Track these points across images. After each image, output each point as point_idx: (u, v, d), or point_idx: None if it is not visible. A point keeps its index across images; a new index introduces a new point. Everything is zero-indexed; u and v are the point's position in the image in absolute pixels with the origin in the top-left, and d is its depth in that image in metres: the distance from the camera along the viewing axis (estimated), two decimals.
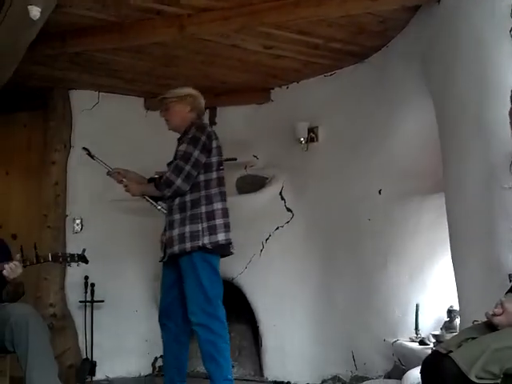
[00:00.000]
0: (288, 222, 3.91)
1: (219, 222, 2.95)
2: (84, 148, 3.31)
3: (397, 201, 3.32)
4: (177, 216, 2.97)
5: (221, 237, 2.94)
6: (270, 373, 3.73)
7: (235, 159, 4.22)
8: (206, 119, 4.35)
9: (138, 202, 4.09)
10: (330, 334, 3.64)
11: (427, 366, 1.70)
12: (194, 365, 3.80)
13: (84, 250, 2.88)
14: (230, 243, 3.03)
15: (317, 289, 3.75)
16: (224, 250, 3.00)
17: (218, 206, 2.97)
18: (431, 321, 3.13)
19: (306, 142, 3.90)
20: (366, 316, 3.40)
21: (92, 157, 3.30)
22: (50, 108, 4.11)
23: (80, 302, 3.89)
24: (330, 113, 3.88)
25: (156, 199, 3.17)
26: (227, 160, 4.20)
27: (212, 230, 2.91)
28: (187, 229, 2.91)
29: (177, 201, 2.98)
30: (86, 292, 3.89)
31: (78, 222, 4.03)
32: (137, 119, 4.30)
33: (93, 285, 3.91)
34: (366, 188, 3.52)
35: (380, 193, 3.43)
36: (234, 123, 4.31)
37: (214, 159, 3.02)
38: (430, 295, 3.17)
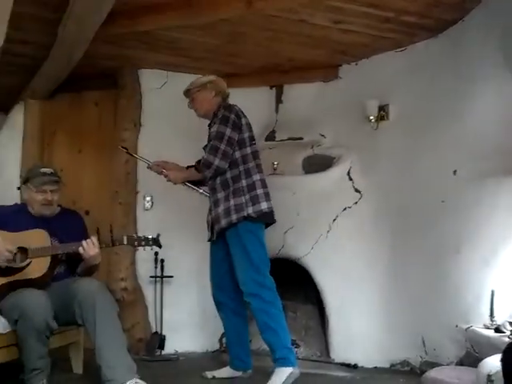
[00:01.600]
0: (356, 203, 3.83)
1: (260, 191, 3.10)
2: (122, 147, 3.60)
3: (472, 182, 3.16)
4: (220, 194, 3.11)
5: (263, 205, 3.08)
6: (337, 354, 3.69)
7: (301, 138, 4.18)
8: (272, 98, 4.35)
9: None
10: (398, 317, 3.55)
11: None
12: (259, 343, 3.82)
13: (158, 235, 2.96)
14: (273, 211, 3.14)
15: (385, 272, 3.66)
16: (268, 217, 3.13)
17: (256, 177, 3.13)
18: (507, 308, 2.98)
19: (376, 121, 3.78)
20: (438, 301, 3.29)
21: (131, 154, 3.59)
22: (120, 87, 4.18)
23: (150, 277, 4.00)
24: (401, 90, 3.74)
25: (197, 184, 3.33)
26: (293, 139, 4.20)
27: (255, 200, 3.06)
28: (232, 202, 3.06)
29: (218, 180, 3.12)
30: (156, 267, 3.99)
31: (148, 199, 4.11)
32: None
33: (162, 260, 4.00)
34: (439, 168, 3.38)
35: (455, 173, 3.27)
36: (301, 101, 4.25)
37: (246, 135, 3.16)
38: (505, 281, 3.02)
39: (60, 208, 3.17)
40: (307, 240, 3.83)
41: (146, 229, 3.75)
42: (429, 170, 3.46)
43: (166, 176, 3.30)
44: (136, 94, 4.17)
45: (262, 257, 3.05)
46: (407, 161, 3.60)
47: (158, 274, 4.00)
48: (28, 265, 2.81)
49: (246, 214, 3.02)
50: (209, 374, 3.24)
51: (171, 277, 4.01)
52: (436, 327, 3.33)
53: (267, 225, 3.17)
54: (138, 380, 2.60)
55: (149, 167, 3.39)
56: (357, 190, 3.85)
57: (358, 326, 3.68)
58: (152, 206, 4.14)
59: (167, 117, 4.16)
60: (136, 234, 3.09)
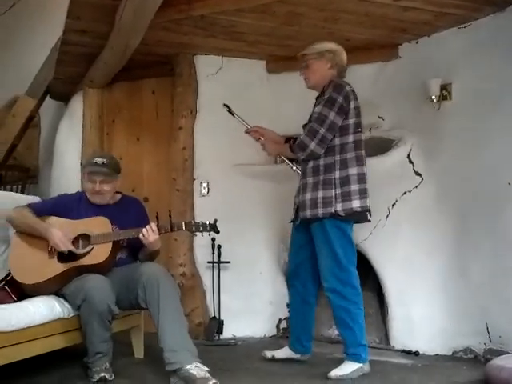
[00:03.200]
0: (417, 187, 3.71)
1: (354, 187, 2.88)
2: (225, 104, 3.35)
3: None
4: (310, 180, 2.95)
5: (355, 204, 2.87)
6: (397, 342, 3.62)
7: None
8: None
9: (262, 166, 4.16)
10: (461, 305, 3.44)
11: None
12: (320, 329, 3.79)
13: (216, 220, 2.94)
14: (368, 210, 2.94)
15: (448, 259, 3.53)
16: (359, 217, 2.94)
17: (353, 171, 2.90)
18: None
19: (438, 101, 3.64)
20: (504, 289, 3.16)
21: (232, 114, 3.33)
22: (176, 74, 4.20)
23: (208, 262, 4.02)
24: (464, 68, 3.58)
25: (292, 160, 3.17)
26: None
27: (346, 197, 2.85)
28: (320, 194, 2.88)
29: (310, 164, 2.96)
30: (213, 253, 4.01)
31: (204, 185, 4.13)
32: (259, 82, 4.28)
33: (219, 246, 4.01)
34: (506, 150, 3.22)
35: None
36: (358, 83, 4.03)
37: (352, 121, 2.92)
38: None
39: (121, 195, 3.21)
40: (365, 225, 3.71)
41: (203, 215, 3.77)
42: (496, 153, 3.30)
43: (262, 144, 3.17)
44: (192, 80, 4.17)
45: (348, 254, 2.90)
46: (472, 143, 3.45)
47: (215, 259, 4.02)
48: (90, 251, 2.86)
49: (333, 211, 2.84)
50: (268, 354, 3.23)
51: (228, 262, 4.02)
52: (502, 314, 3.20)
53: (357, 221, 3.00)
54: (199, 364, 2.62)
55: (247, 132, 3.23)
56: (417, 174, 3.72)
57: (419, 313, 3.59)
58: (208, 192, 4.16)
59: (222, 102, 4.14)
60: (194, 219, 3.08)
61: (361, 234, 3.73)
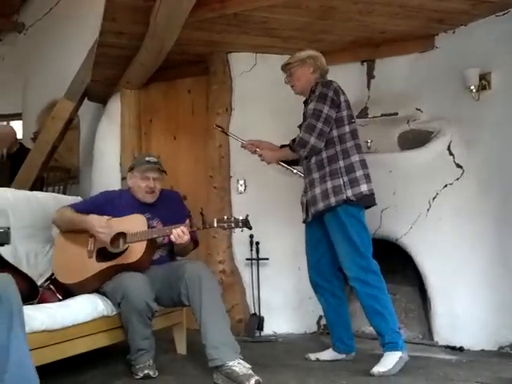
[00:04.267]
0: (458, 179, 3.63)
1: (359, 173, 2.96)
2: (217, 125, 3.61)
3: None
4: (316, 175, 3.01)
5: (363, 188, 2.94)
6: (441, 337, 3.56)
7: (396, 114, 4.02)
8: (363, 73, 4.22)
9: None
10: (507, 298, 3.36)
11: None
12: (358, 325, 3.76)
13: (247, 216, 2.95)
14: (373, 193, 3.01)
15: (491, 251, 3.46)
16: (368, 200, 3.00)
17: (355, 158, 2.99)
18: None
19: (477, 91, 3.56)
20: None
21: (226, 133, 3.56)
22: (211, 73, 4.23)
23: (246, 259, 4.04)
24: (504, 57, 3.50)
25: (291, 164, 3.24)
26: (387, 115, 4.05)
27: (354, 183, 2.93)
28: (329, 185, 2.95)
29: (313, 159, 3.02)
30: (251, 250, 4.02)
31: (241, 182, 4.15)
32: None
33: (257, 243, 4.02)
34: None
35: None
36: (394, 75, 4.08)
37: (345, 113, 3.03)
38: None
39: (160, 191, 3.26)
40: (405, 219, 3.70)
41: (240, 212, 3.72)
42: None
43: (259, 155, 3.26)
44: (226, 78, 4.19)
45: (364, 240, 2.94)
46: None
47: (254, 256, 4.03)
48: (126, 249, 2.91)
49: (345, 197, 2.91)
50: (312, 356, 3.22)
51: (267, 259, 4.02)
52: None
53: (367, 207, 3.05)
54: (241, 360, 2.63)
55: (243, 146, 3.35)
56: (458, 166, 3.65)
57: (463, 308, 3.52)
58: (245, 189, 4.17)
59: (257, 99, 4.16)
60: (225, 216, 3.10)
61: (401, 229, 3.69)
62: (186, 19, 3.17)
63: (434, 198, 3.67)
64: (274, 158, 3.26)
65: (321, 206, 2.98)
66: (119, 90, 4.57)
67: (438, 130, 3.77)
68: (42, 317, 2.42)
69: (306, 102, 3.15)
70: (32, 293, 2.61)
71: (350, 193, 2.92)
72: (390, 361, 2.82)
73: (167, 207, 3.17)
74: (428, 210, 3.66)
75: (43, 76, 5.97)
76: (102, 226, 2.89)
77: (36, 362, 2.15)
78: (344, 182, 2.93)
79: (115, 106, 4.63)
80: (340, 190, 2.92)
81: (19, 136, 5.97)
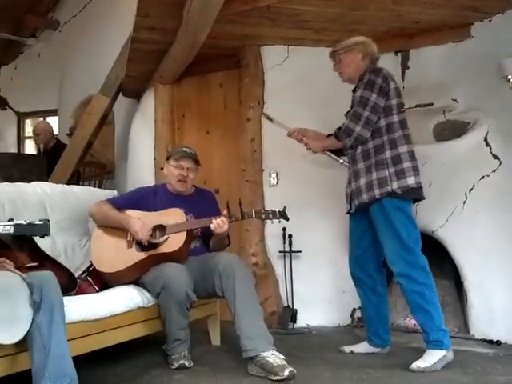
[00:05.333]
0: (495, 171, 3.55)
1: (407, 165, 2.86)
2: (264, 113, 3.54)
3: None
4: (361, 165, 2.94)
5: (410, 180, 2.84)
6: (477, 331, 3.49)
7: (431, 104, 3.95)
8: (397, 64, 4.16)
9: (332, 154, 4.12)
10: None
11: None
12: (394, 318, 3.73)
13: (285, 208, 2.96)
14: (422, 186, 2.90)
15: None
16: (416, 193, 2.90)
17: (403, 149, 2.88)
18: None
19: None
20: None
21: (272, 120, 3.44)
22: (243, 66, 4.23)
23: (279, 252, 4.04)
24: None
25: (337, 153, 3.16)
26: (423, 106, 3.98)
27: (400, 175, 2.83)
28: (374, 176, 2.86)
29: (359, 149, 2.95)
30: (284, 243, 4.02)
31: (273, 175, 4.15)
32: (325, 70, 4.22)
33: (290, 236, 4.02)
34: None
35: None
36: (429, 65, 4.02)
37: (394, 101, 2.92)
38: None
39: (195, 188, 3.34)
40: (441, 212, 3.64)
41: (273, 205, 3.72)
42: None
43: (305, 144, 3.19)
44: (258, 71, 4.19)
45: (412, 235, 2.85)
46: None
47: (287, 249, 4.03)
48: (166, 240, 2.96)
49: (390, 190, 2.81)
50: (346, 349, 3.20)
51: (300, 252, 4.02)
52: None
53: (415, 200, 2.96)
54: (275, 352, 2.65)
55: (289, 134, 3.28)
56: (495, 157, 3.57)
57: (500, 301, 3.45)
58: (278, 182, 4.17)
59: (290, 92, 4.14)
60: (263, 208, 3.13)
61: (437, 221, 3.63)
62: (219, 13, 3.18)
63: (470, 190, 3.60)
64: (319, 147, 3.18)
65: (365, 197, 2.91)
66: (153, 85, 4.62)
67: (474, 120, 3.70)
68: (80, 308, 2.48)
69: (354, 90, 3.04)
70: (70, 284, 2.68)
71: (395, 185, 2.82)
72: (432, 358, 2.76)
73: (201, 204, 3.22)
74: (464, 202, 3.60)
75: (78, 72, 6.08)
76: (138, 227, 2.94)
77: (73, 352, 2.22)
78: (390, 174, 2.84)
79: (149, 101, 4.68)
80: (385, 181, 2.83)
81: (55, 132, 6.12)
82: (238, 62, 4.29)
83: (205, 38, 3.59)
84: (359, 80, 2.97)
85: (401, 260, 2.84)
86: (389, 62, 4.14)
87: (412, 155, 2.91)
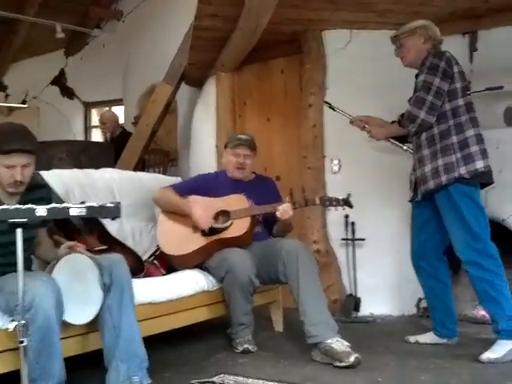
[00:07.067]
0: None
1: (474, 149, 2.77)
2: (325, 102, 3.46)
3: None
4: (426, 151, 2.86)
5: (479, 164, 2.75)
6: None
7: (501, 87, 3.78)
8: (465, 46, 4.01)
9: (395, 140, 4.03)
10: None
11: None
12: (461, 308, 3.62)
13: (349, 195, 2.93)
14: (491, 170, 2.80)
15: None
16: (484, 177, 2.81)
17: (470, 132, 2.80)
18: None
19: None
20: None
21: (334, 109, 3.38)
22: (304, 52, 4.18)
23: (342, 239, 4.00)
24: None
25: (401, 140, 3.10)
26: (492, 89, 3.82)
27: (468, 159, 2.74)
28: (440, 162, 2.79)
29: (424, 135, 2.87)
30: (346, 230, 3.98)
31: (335, 162, 4.09)
32: (389, 54, 4.11)
33: (353, 223, 3.97)
34: None
35: None
36: (499, 47, 3.84)
37: (459, 85, 2.83)
38: None
39: (255, 175, 3.36)
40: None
41: (335, 192, 3.70)
42: None
43: (368, 132, 3.15)
44: (320, 56, 4.13)
45: (480, 221, 2.77)
46: None
47: (349, 236, 3.99)
48: (230, 225, 2.99)
49: (457, 175, 2.73)
50: (411, 339, 3.13)
51: (363, 239, 3.96)
52: None
53: (483, 185, 2.87)
54: (340, 338, 2.63)
55: (351, 122, 3.25)
56: None
57: None
58: (340, 169, 4.12)
59: (352, 77, 4.07)
60: (327, 195, 3.11)
61: (507, 209, 3.49)
62: None
63: None
64: (383, 135, 3.14)
65: (431, 184, 2.83)
66: (214, 73, 4.64)
67: None
68: (148, 290, 2.56)
69: (417, 75, 2.97)
70: (138, 267, 2.77)
71: (463, 170, 2.73)
72: (502, 348, 2.67)
73: (261, 191, 3.22)
74: None
75: (142, 62, 6.20)
76: (199, 215, 2.98)
77: (141, 334, 2.27)
78: (457, 159, 2.75)
79: (211, 89, 4.71)
80: (452, 167, 2.75)
81: (121, 121, 6.29)
82: (299, 48, 4.24)
83: (266, 23, 3.58)
84: (422, 64, 2.90)
85: (468, 248, 2.77)
86: (456, 45, 4.00)
87: (480, 139, 2.81)
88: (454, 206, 2.78)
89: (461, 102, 2.83)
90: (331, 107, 3.42)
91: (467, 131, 2.80)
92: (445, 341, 3.06)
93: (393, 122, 3.14)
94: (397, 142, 3.13)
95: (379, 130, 3.14)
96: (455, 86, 2.82)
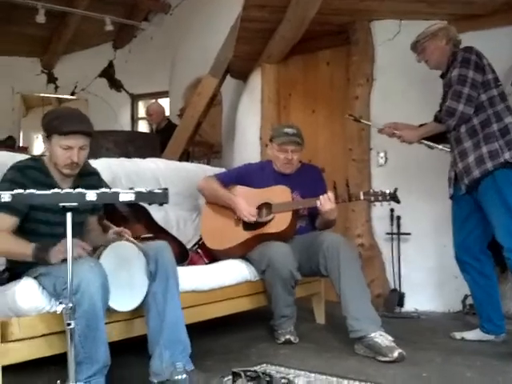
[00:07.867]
0: None
1: None
2: (349, 114, 3.49)
3: None
4: (467, 143, 2.86)
5: None
6: None
7: None
8: None
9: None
10: None
11: None
12: (508, 305, 3.52)
13: (396, 189, 2.88)
14: None
15: None
16: None
17: (509, 119, 2.83)
18: None
19: None
20: None
21: (359, 121, 3.43)
22: (352, 43, 4.12)
23: (387, 233, 3.94)
24: None
25: (433, 140, 3.09)
26: None
27: (511, 145, 2.75)
28: (484, 149, 2.79)
29: (463, 128, 2.87)
30: (391, 224, 3.92)
31: (381, 155, 4.03)
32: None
33: (398, 217, 3.90)
34: None
35: None
36: None
37: (490, 76, 2.88)
38: None
39: (301, 164, 3.30)
40: None
41: (380, 185, 3.64)
42: None
43: (399, 137, 3.15)
44: (368, 47, 4.07)
45: None
46: None
47: (395, 231, 3.92)
48: (272, 219, 2.98)
49: (502, 160, 2.73)
50: (457, 335, 3.08)
51: (408, 234, 3.90)
52: None
53: None
54: (383, 333, 2.60)
55: (379, 131, 3.26)
56: None
57: None
58: (386, 161, 4.05)
59: (400, 69, 3.99)
60: (372, 189, 3.06)
61: None
62: None
63: None
64: (415, 137, 3.13)
65: (476, 173, 2.81)
66: (259, 65, 4.63)
67: None
68: (191, 278, 2.58)
69: (442, 76, 3.04)
70: (183, 255, 2.80)
71: (508, 155, 2.73)
72: None
73: (307, 181, 3.19)
74: None
75: (189, 54, 6.25)
76: (243, 208, 2.98)
77: (185, 321, 2.29)
78: (500, 146, 2.76)
79: (256, 81, 4.70)
80: (497, 153, 2.75)
81: (167, 113, 6.36)
82: (346, 39, 4.19)
83: (314, 14, 3.55)
84: (449, 63, 2.96)
85: (511, 234, 2.74)
86: (508, 37, 3.88)
87: None
88: (498, 192, 2.77)
89: (495, 92, 2.87)
90: (356, 120, 3.45)
91: (505, 119, 2.83)
92: (492, 337, 2.99)
93: (420, 125, 3.15)
94: (430, 143, 3.14)
95: (410, 132, 3.14)
96: (487, 77, 2.86)
